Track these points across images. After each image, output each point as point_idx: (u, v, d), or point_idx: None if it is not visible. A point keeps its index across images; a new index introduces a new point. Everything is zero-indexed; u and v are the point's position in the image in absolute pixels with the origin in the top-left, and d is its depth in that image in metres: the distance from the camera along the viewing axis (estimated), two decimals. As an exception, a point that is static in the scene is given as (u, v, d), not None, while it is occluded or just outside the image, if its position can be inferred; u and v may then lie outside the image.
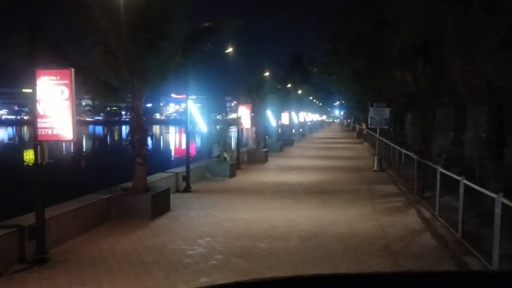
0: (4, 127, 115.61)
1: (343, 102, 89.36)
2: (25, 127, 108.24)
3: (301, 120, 60.46)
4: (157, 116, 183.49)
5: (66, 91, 7.87)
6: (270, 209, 13.17)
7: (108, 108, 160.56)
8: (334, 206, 13.64)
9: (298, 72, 47.07)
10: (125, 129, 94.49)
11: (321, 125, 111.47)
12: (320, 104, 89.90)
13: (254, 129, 29.20)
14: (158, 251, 8.90)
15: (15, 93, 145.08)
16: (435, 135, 15.62)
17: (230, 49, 16.20)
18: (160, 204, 12.12)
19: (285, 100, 38.63)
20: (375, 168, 22.56)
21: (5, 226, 8.05)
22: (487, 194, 8.22)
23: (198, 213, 12.57)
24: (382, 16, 14.25)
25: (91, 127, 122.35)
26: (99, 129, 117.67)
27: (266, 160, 27.13)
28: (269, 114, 32.72)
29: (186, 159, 16.22)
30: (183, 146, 11.49)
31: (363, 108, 34.56)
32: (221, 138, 20.44)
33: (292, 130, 47.17)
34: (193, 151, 32.43)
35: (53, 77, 7.85)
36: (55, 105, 7.91)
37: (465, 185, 9.56)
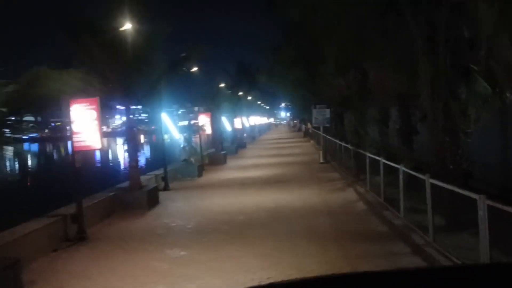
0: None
1: (289, 104, 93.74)
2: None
3: (251, 123, 63.96)
4: (104, 128, 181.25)
5: (94, 113, 10.87)
6: (239, 196, 16.43)
7: (53, 124, 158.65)
8: (289, 190, 17.05)
9: (246, 79, 50.60)
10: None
11: (269, 127, 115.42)
12: (268, 107, 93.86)
13: (210, 134, 32.29)
14: (165, 227, 12.01)
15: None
16: (366, 129, 19.33)
17: (195, 68, 19.38)
18: (152, 198, 15.13)
19: (236, 106, 41.95)
20: (321, 160, 26.24)
21: (53, 215, 10.95)
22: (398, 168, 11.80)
23: (182, 203, 15.69)
24: (317, 34, 17.84)
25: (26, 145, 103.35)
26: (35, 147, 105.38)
27: (225, 161, 30.27)
28: (224, 120, 35.95)
29: (163, 163, 19.22)
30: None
31: (307, 109, 38.38)
32: (188, 144, 23.52)
33: (243, 134, 50.57)
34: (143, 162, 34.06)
35: (84, 104, 10.83)
36: (86, 124, 10.88)
37: (384, 163, 13.18)
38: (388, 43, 12.01)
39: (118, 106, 17.22)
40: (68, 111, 10.87)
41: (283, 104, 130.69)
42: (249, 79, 51.40)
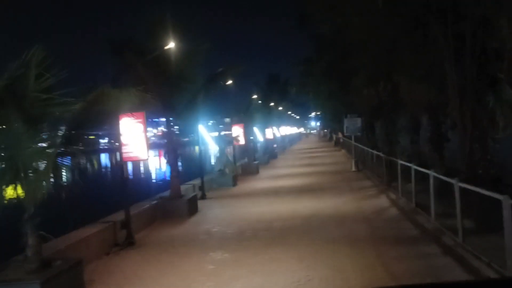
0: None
1: (319, 113, 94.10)
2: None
3: (282, 134, 64.62)
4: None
5: (141, 127, 11.72)
6: (274, 204, 17.06)
7: (86, 137, 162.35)
8: (323, 198, 17.59)
9: (276, 90, 51.49)
10: (105, 157, 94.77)
11: (299, 137, 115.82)
12: (298, 117, 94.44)
13: (244, 144, 33.05)
14: (206, 233, 12.74)
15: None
16: (397, 138, 19.76)
17: (230, 81, 20.20)
18: (192, 206, 15.92)
19: (268, 117, 42.71)
20: (353, 169, 26.67)
21: (105, 221, 11.80)
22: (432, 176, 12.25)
23: (220, 211, 16.42)
24: (349, 48, 18.45)
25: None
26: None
27: (258, 171, 30.97)
28: (256, 130, 36.71)
29: (200, 173, 20.02)
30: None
31: (339, 119, 38.85)
32: (222, 155, 24.33)
33: (274, 144, 51.28)
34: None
35: (132, 118, 11.69)
36: (133, 136, 11.74)
37: (415, 170, 13.64)
38: (417, 56, 12.54)
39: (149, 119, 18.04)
40: (118, 125, 11.74)
41: (313, 114, 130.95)
42: (279, 89, 52.33)
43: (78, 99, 7.45)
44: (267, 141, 43.10)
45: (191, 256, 10.55)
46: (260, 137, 38.28)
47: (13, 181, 7.41)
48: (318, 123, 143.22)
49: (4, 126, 7.34)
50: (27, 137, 7.34)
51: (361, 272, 8.44)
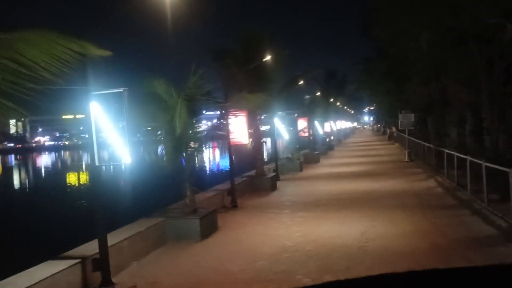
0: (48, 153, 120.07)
1: (373, 108, 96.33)
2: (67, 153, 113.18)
3: (338, 127, 67.71)
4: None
5: (244, 119, 15.59)
6: (339, 184, 20.64)
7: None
8: (380, 180, 21.01)
9: (333, 86, 54.69)
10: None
11: (353, 131, 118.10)
12: (353, 112, 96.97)
13: (308, 136, 36.66)
14: (289, 201, 16.50)
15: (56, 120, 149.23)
16: (446, 131, 22.87)
17: (301, 82, 23.90)
18: (273, 184, 19.72)
19: (327, 111, 46.11)
20: (406, 159, 29.81)
21: (216, 189, 15.75)
22: (470, 160, 15.46)
23: (295, 188, 20.17)
24: (406, 54, 21.76)
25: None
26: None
27: (318, 160, 34.50)
28: (317, 124, 40.23)
29: (275, 158, 23.84)
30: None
31: (392, 114, 41.83)
32: (290, 144, 28.11)
33: (328, 137, 54.57)
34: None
35: (237, 113, 15.57)
36: (238, 126, 15.61)
37: (457, 157, 16.88)
38: (460, 65, 15.82)
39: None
40: (227, 118, 15.66)
41: (366, 109, 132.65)
42: (337, 85, 55.52)
43: (223, 100, 11.38)
44: (326, 134, 46.52)
45: (282, 214, 14.35)
46: (320, 130, 41.76)
47: (180, 153, 11.40)
48: (372, 118, 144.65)
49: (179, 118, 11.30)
50: (190, 125, 11.32)
51: (410, 223, 11.97)
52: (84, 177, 47.22)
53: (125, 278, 8.49)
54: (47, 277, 7.06)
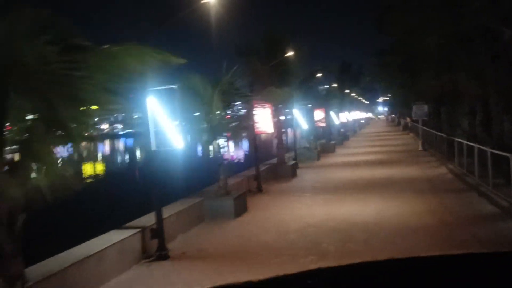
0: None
1: (387, 98, 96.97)
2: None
3: (353, 118, 68.78)
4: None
5: (268, 110, 16.95)
6: (355, 171, 21.93)
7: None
8: (395, 168, 22.27)
9: (348, 77, 55.75)
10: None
11: (368, 121, 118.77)
12: (368, 102, 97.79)
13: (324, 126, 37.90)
14: (310, 186, 17.88)
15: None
16: (457, 121, 24.00)
17: (320, 74, 25.21)
18: (293, 171, 21.10)
19: (342, 102, 47.27)
20: (420, 148, 30.99)
21: (242, 175, 17.16)
22: (477, 148, 16.66)
23: (314, 175, 21.52)
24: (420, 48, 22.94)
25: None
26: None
27: (334, 150, 35.74)
28: (332, 114, 41.42)
29: (294, 147, 25.18)
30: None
31: (407, 104, 42.92)
32: (308, 134, 29.44)
33: (346, 127, 55.72)
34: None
35: (264, 105, 16.92)
36: (263, 118, 16.97)
37: (467, 145, 18.09)
38: (468, 60, 17.00)
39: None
40: (252, 109, 17.02)
41: (380, 99, 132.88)
42: (351, 76, 56.59)
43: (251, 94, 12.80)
44: (341, 124, 47.69)
45: (304, 197, 15.75)
46: (336, 120, 42.97)
47: (210, 142, 12.81)
48: (386, 109, 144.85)
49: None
50: (221, 115, 12.74)
51: (422, 204, 13.30)
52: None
53: (174, 246, 9.94)
54: (116, 242, 8.54)
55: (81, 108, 5.46)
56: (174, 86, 9.17)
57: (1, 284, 5.12)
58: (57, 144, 5.37)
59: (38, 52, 5.15)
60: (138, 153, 62.65)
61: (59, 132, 5.36)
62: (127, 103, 7.63)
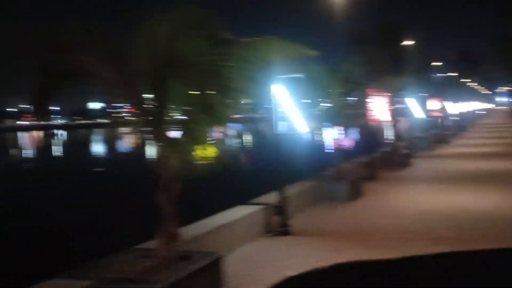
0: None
1: (510, 88, 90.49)
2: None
3: (471, 109, 65.51)
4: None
5: (386, 99, 17.16)
6: (471, 162, 21.39)
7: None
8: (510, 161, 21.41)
9: (467, 66, 53.27)
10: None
11: (487, 113, 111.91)
12: (490, 92, 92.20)
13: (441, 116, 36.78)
14: (426, 175, 17.97)
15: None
16: None
17: (437, 63, 24.66)
18: (407, 161, 21.04)
19: (459, 92, 45.43)
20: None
21: (355, 161, 17.58)
22: None
23: (428, 165, 21.34)
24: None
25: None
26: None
27: (449, 141, 34.56)
28: (448, 104, 40.01)
29: (407, 137, 24.96)
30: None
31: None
32: (421, 123, 28.98)
33: (463, 118, 53.32)
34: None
35: (378, 93, 17.15)
36: (380, 106, 17.21)
37: None
38: None
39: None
40: (365, 96, 17.29)
41: (502, 89, 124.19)
42: (471, 65, 53.97)
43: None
44: (457, 114, 45.86)
45: (419, 185, 15.90)
46: (452, 111, 41.47)
47: (328, 129, 13.43)
48: (508, 99, 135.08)
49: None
50: (340, 102, 13.32)
51: None
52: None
53: (294, 224, 10.71)
54: (243, 216, 9.50)
55: (228, 95, 6.35)
56: (302, 75, 9.87)
57: (162, 240, 6.16)
58: (209, 126, 6.31)
59: (194, 46, 6.10)
60: (245, 138, 65.13)
61: (210, 115, 6.28)
62: (262, 90, 8.50)
